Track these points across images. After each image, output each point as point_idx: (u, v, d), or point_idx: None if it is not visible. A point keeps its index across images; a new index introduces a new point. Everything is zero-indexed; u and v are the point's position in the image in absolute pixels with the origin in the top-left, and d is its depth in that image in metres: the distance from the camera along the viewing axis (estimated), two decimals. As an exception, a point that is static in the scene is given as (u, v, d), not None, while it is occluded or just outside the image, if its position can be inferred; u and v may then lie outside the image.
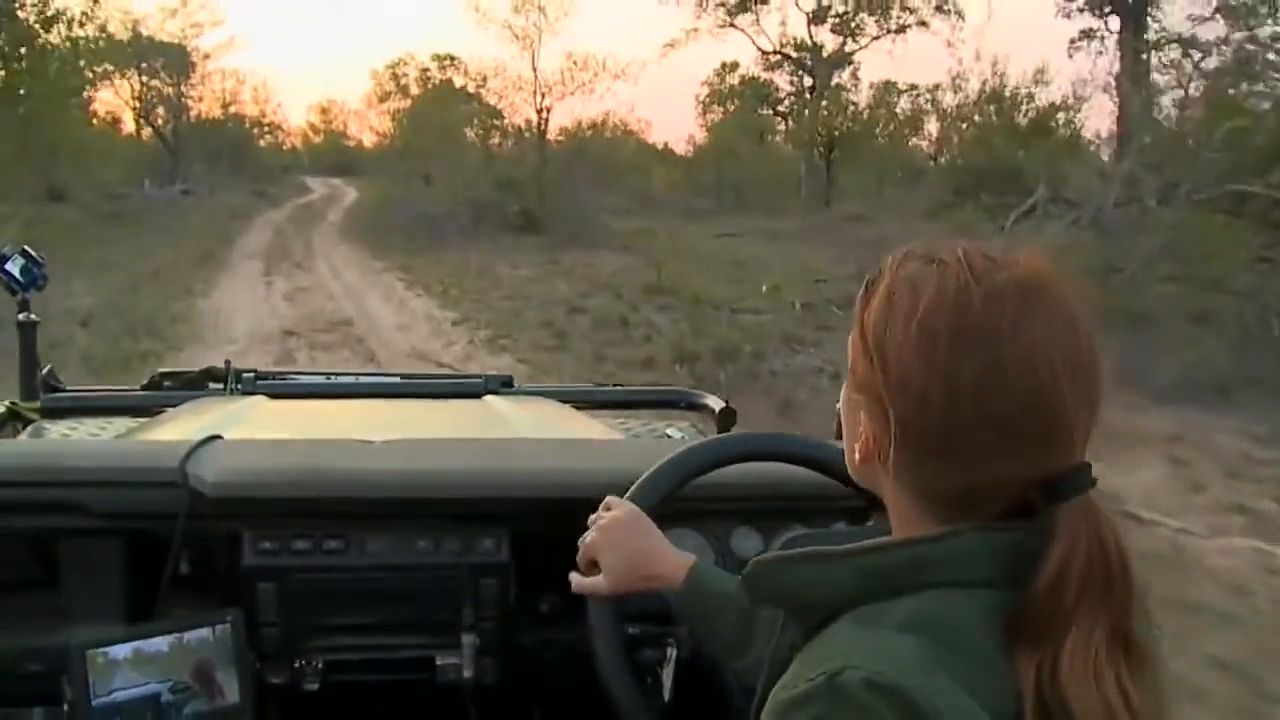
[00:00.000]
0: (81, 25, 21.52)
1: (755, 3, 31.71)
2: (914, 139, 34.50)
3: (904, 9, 30.88)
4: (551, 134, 30.84)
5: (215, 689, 1.35)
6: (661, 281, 13.35)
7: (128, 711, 1.30)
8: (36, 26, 20.33)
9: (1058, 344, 0.77)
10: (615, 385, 2.81)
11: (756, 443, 1.42)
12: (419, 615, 1.48)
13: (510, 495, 1.50)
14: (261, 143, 47.27)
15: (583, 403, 2.42)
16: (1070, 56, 25.39)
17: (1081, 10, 23.62)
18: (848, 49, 32.73)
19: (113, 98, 34.14)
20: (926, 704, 0.70)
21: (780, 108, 36.85)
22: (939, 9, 29.93)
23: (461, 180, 24.62)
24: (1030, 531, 0.78)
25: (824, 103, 32.77)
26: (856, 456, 0.87)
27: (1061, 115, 26.90)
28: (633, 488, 1.32)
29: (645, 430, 2.38)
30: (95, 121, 30.76)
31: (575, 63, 29.39)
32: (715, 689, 1.34)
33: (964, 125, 29.07)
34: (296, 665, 1.45)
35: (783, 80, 36.17)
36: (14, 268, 2.20)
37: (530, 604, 1.54)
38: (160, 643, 1.33)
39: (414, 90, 42.81)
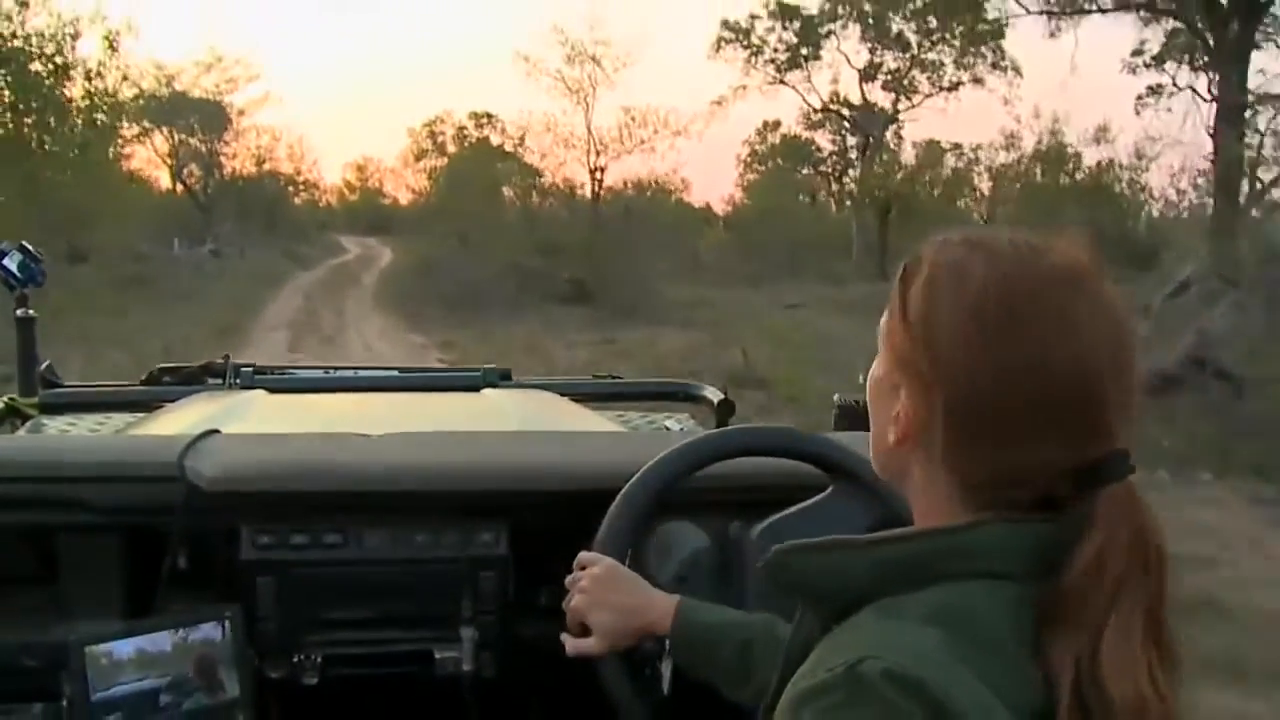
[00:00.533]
0: (99, 76, 20.25)
1: (807, 59, 30.68)
2: (963, 199, 32.81)
3: (959, 66, 29.79)
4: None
5: (214, 684, 1.35)
6: (749, 369, 11.42)
7: (127, 707, 1.30)
8: (48, 79, 19.23)
9: (1101, 331, 0.79)
10: (613, 377, 2.80)
11: (698, 450, 1.41)
12: (418, 609, 1.48)
13: (509, 488, 1.50)
14: (297, 200, 45.41)
15: (581, 395, 2.42)
16: (1138, 113, 24.54)
17: (1149, 66, 22.73)
18: (900, 106, 31.77)
19: (148, 152, 33.14)
20: (945, 696, 0.69)
21: (822, 167, 35.72)
22: (995, 66, 28.81)
23: (502, 243, 23.39)
24: (1062, 523, 0.78)
25: (879, 161, 31.47)
26: (891, 438, 0.86)
27: (1126, 174, 26.52)
28: (597, 537, 1.32)
29: (644, 423, 2.38)
30: (130, 178, 29.52)
31: (634, 118, 27.74)
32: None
33: (1018, 184, 28.24)
34: (295, 659, 1.45)
35: (824, 139, 35.23)
36: (11, 263, 2.20)
37: (529, 597, 1.54)
38: (159, 638, 1.33)
39: (451, 148, 42.50)
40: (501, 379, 2.36)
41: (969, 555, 0.79)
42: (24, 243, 2.27)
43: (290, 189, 42.24)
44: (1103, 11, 18.59)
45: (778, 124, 36.52)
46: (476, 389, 2.29)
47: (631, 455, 1.39)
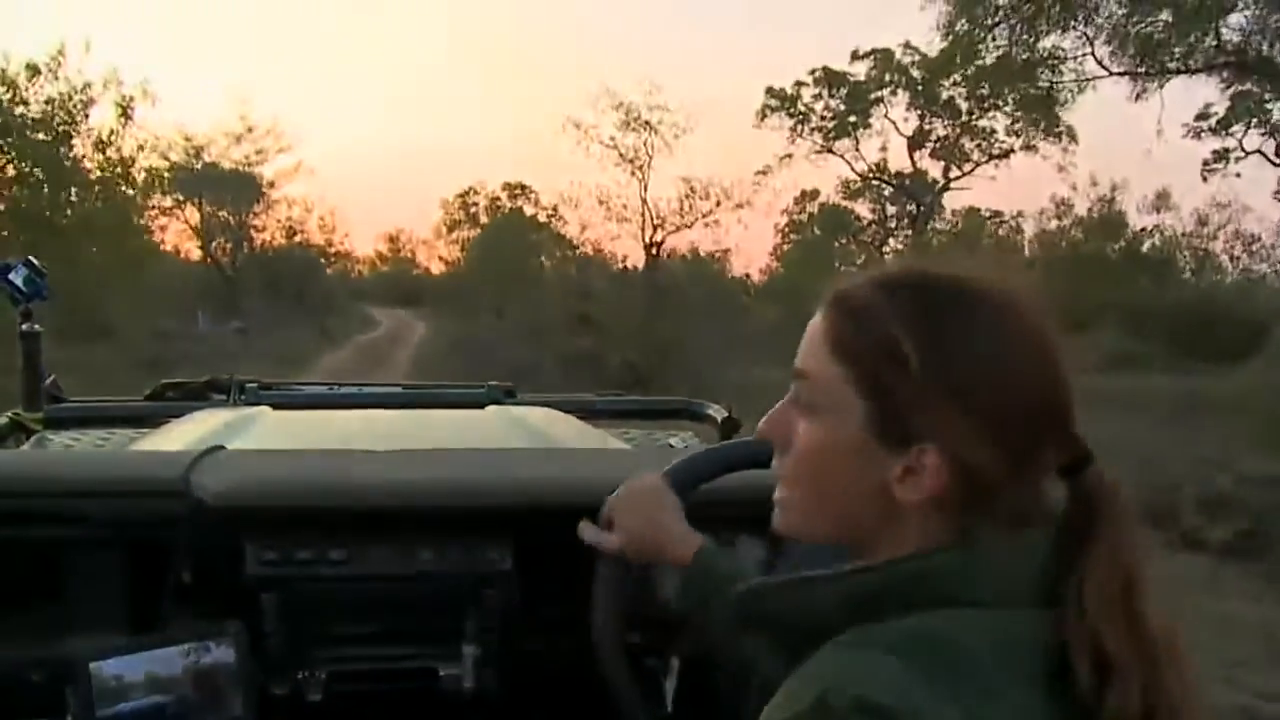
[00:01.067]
0: (111, 145, 19.82)
1: (855, 126, 29.12)
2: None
3: (1011, 133, 28.08)
4: (630, 263, 27.31)
5: (218, 700, 1.34)
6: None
7: (131, 722, 1.29)
8: (52, 148, 18.62)
9: (1052, 331, 0.83)
10: (617, 394, 2.81)
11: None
12: (422, 625, 1.47)
13: (513, 505, 1.50)
14: (329, 270, 43.75)
15: (585, 412, 2.42)
16: (1205, 179, 22.96)
17: (1214, 131, 21.01)
18: (951, 174, 30.27)
19: (180, 224, 32.30)
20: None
21: (862, 237, 34.23)
22: (1048, 132, 26.88)
23: (543, 318, 21.87)
24: (1047, 533, 0.81)
25: (929, 230, 30.26)
26: (913, 496, 0.81)
27: (1186, 240, 25.94)
28: (670, 465, 1.33)
29: (648, 440, 2.38)
30: (155, 250, 28.25)
31: (694, 189, 25.25)
32: (716, 699, 1.33)
33: (1064, 252, 27.28)
34: (300, 676, 1.45)
35: (864, 209, 33.88)
36: (17, 278, 2.20)
37: (533, 614, 1.54)
38: (164, 654, 1.33)
39: (484, 219, 41.52)
40: (506, 395, 2.36)
41: (934, 582, 0.79)
42: (30, 258, 2.28)
43: (322, 260, 40.81)
44: (1191, 72, 16.95)
45: (816, 193, 35.16)
46: (481, 405, 2.29)
47: (636, 472, 1.39)
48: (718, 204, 26.01)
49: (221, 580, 1.47)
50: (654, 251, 23.59)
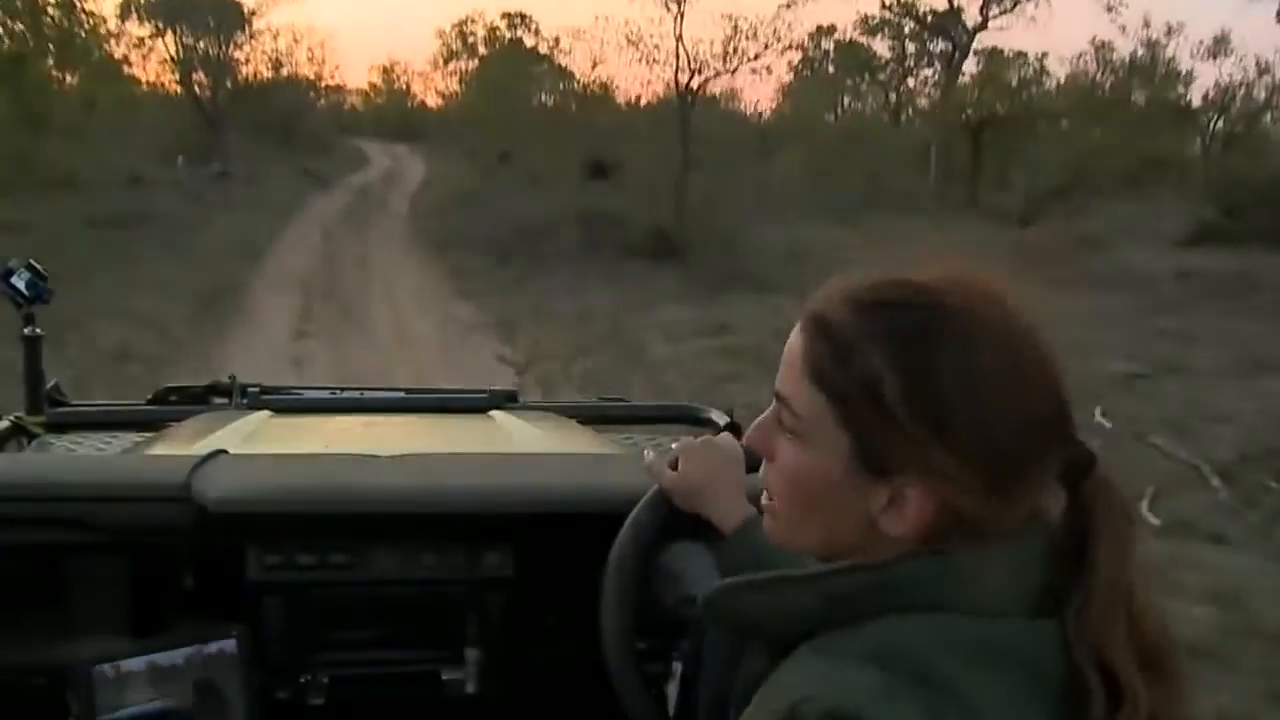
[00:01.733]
0: None
1: None
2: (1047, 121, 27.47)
3: None
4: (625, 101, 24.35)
5: (221, 704, 1.34)
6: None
7: (133, 727, 1.29)
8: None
9: (1037, 333, 0.81)
10: (619, 400, 2.81)
11: None
12: (424, 630, 1.47)
13: (516, 510, 1.50)
14: (321, 103, 40.62)
15: (588, 418, 2.42)
16: None
17: None
18: (990, 13, 27.07)
19: (154, 59, 29.35)
20: None
21: (880, 75, 32.06)
22: None
23: (554, 168, 19.05)
24: (1033, 539, 0.79)
25: (969, 73, 27.32)
26: (895, 531, 0.79)
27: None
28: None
29: (650, 445, 2.38)
30: (136, 85, 27.11)
31: (739, 28, 21.03)
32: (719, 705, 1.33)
33: (1104, 95, 24.89)
34: (302, 680, 1.45)
35: (883, 47, 31.46)
36: (20, 282, 2.20)
37: (536, 619, 1.54)
38: (165, 658, 1.33)
39: (482, 50, 38.31)
40: (508, 401, 2.36)
41: (910, 587, 0.77)
42: (31, 260, 2.27)
43: (311, 95, 37.57)
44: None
45: (832, 28, 32.42)
46: (483, 410, 2.29)
47: (638, 477, 1.39)
48: (766, 46, 21.95)
49: (223, 585, 1.47)
50: (691, 97, 19.64)
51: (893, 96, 32.67)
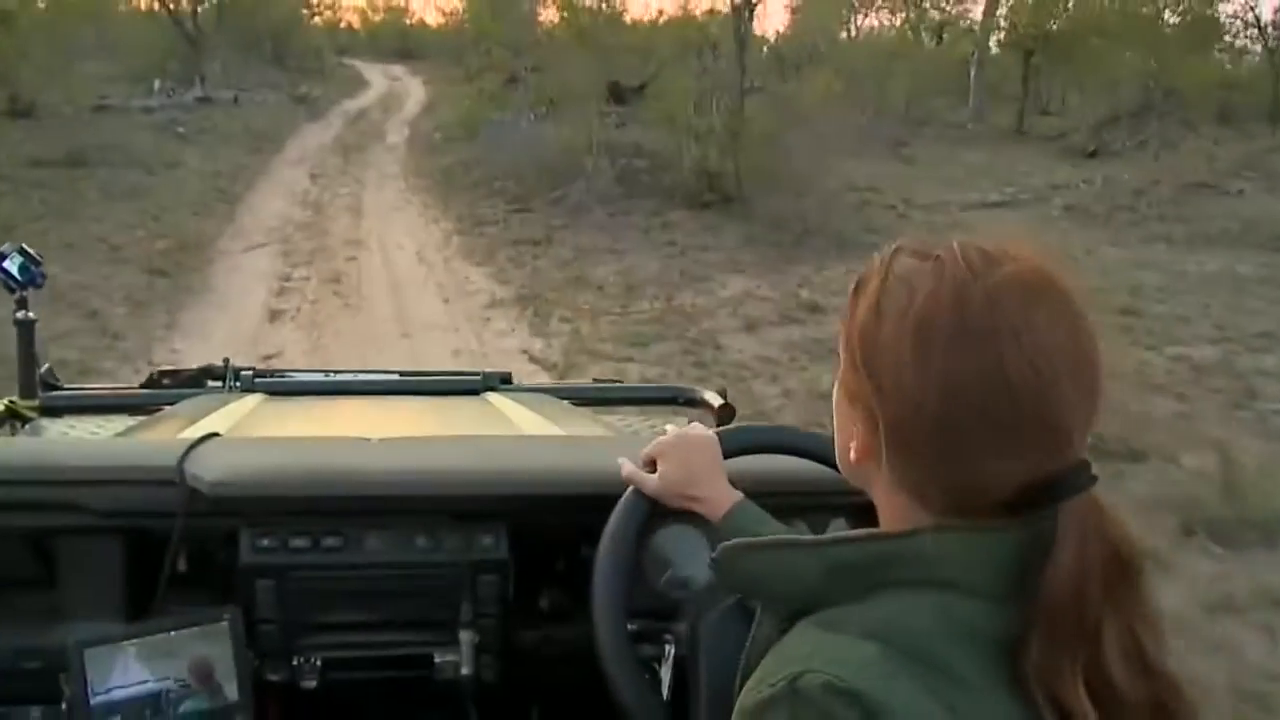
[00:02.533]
0: None
1: None
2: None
3: None
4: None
5: (214, 687, 1.35)
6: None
7: (126, 710, 1.30)
8: None
9: (1060, 344, 0.76)
10: (613, 382, 2.81)
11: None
12: (417, 612, 1.48)
13: (509, 493, 1.50)
14: (316, 20, 37.06)
15: (581, 400, 2.42)
16: None
17: None
18: None
19: None
20: (884, 707, 0.70)
21: None
22: None
23: (574, 93, 16.55)
24: (1024, 535, 0.76)
25: None
26: (851, 457, 0.86)
27: None
28: (726, 428, 1.37)
29: (644, 427, 2.38)
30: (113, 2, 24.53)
31: None
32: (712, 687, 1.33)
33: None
34: (295, 663, 1.45)
35: None
36: (12, 266, 2.20)
37: (529, 601, 1.54)
38: (158, 640, 1.33)
39: None
40: (502, 383, 2.36)
41: (915, 562, 0.78)
42: (23, 245, 2.27)
43: (304, 11, 34.15)
44: None
45: None
46: (477, 393, 2.29)
47: (632, 459, 1.39)
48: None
49: (216, 567, 1.47)
50: (746, 13, 16.50)
51: (912, 14, 29.91)
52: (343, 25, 46.58)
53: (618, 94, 18.28)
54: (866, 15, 31.59)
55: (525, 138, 15.52)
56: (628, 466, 1.32)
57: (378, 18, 51.21)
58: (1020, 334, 0.75)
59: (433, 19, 46.82)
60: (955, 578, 0.77)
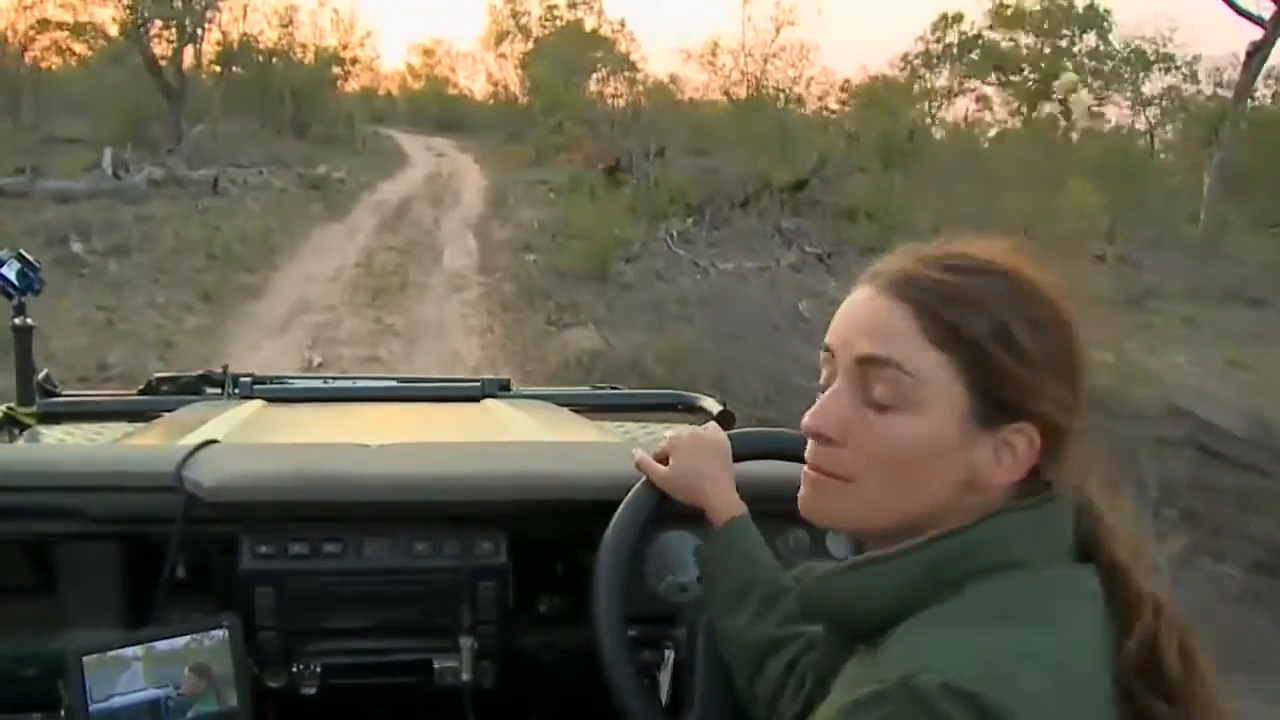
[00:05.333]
0: None
1: None
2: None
3: None
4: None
5: (213, 693, 1.34)
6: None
7: (125, 716, 1.29)
8: None
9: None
10: (613, 388, 2.80)
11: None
12: (417, 619, 1.47)
13: (508, 499, 1.50)
14: (351, 86, 31.17)
15: (580, 406, 2.42)
16: None
17: None
18: None
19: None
20: (1005, 711, 0.69)
21: (1015, 77, 25.89)
22: None
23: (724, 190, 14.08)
24: (1058, 502, 0.84)
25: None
26: (997, 479, 0.84)
27: None
28: (737, 431, 1.38)
29: (643, 433, 2.38)
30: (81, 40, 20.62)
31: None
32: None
33: None
34: (294, 669, 1.45)
35: (1024, 41, 25.68)
36: (10, 272, 2.20)
37: (529, 607, 1.54)
38: (157, 647, 1.32)
39: (536, 31, 33.06)
40: (501, 389, 2.36)
41: (988, 549, 0.81)
42: (21, 250, 2.27)
43: (335, 70, 28.27)
44: None
45: (959, 17, 26.62)
46: (476, 399, 2.29)
47: (630, 465, 1.39)
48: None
49: (216, 574, 1.47)
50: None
51: (1034, 105, 25.02)
52: (380, 92, 41.44)
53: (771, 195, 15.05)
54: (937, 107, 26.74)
55: (718, 291, 9.08)
56: (639, 453, 1.35)
57: (417, 85, 45.17)
58: (1064, 313, 0.87)
59: (480, 89, 41.02)
60: (1023, 556, 0.80)
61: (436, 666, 1.47)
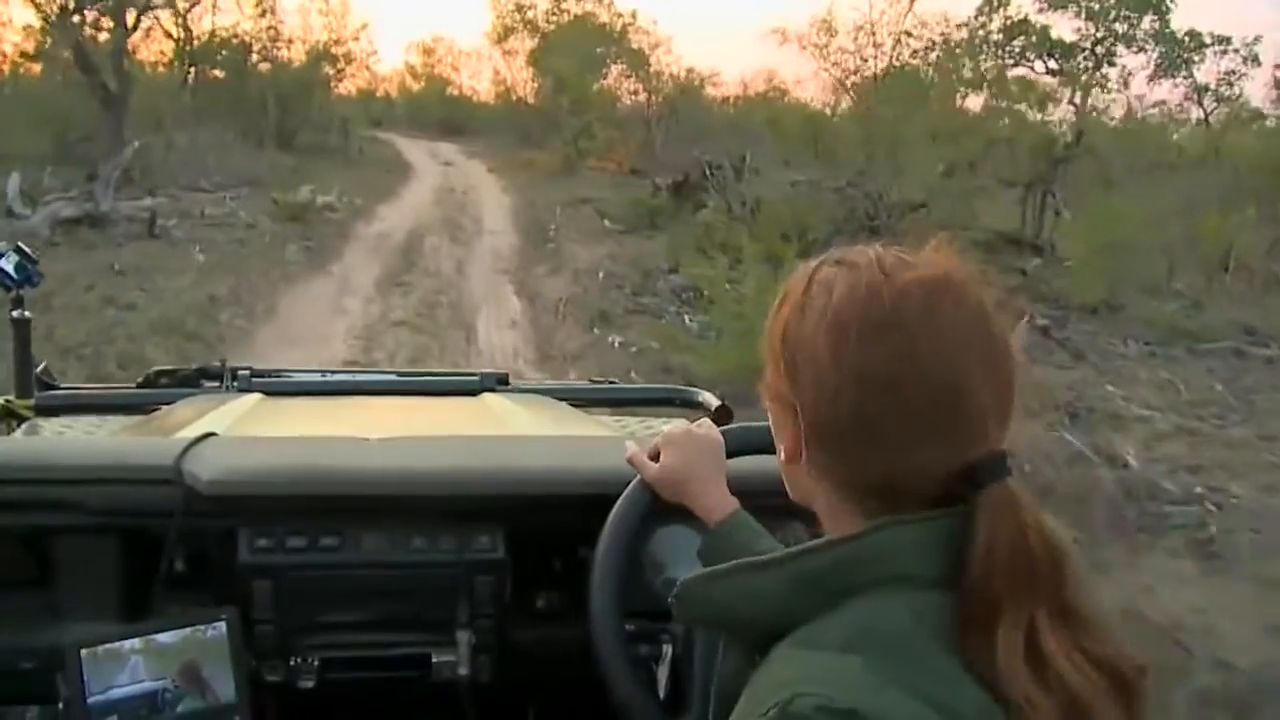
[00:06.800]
0: None
1: None
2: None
3: None
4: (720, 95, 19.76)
5: (211, 687, 1.34)
6: None
7: (123, 709, 1.29)
8: None
9: (968, 333, 0.80)
10: (611, 383, 2.80)
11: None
12: (415, 613, 1.48)
13: (506, 493, 1.50)
14: (342, 88, 27.52)
15: (579, 400, 2.42)
16: None
17: None
18: None
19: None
20: None
21: (1060, 63, 22.56)
22: None
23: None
24: (957, 520, 0.79)
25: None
26: (781, 456, 0.89)
27: None
28: (730, 427, 1.37)
29: (641, 428, 2.38)
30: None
31: None
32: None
33: None
34: (292, 662, 1.45)
35: (1070, 25, 22.51)
36: (8, 264, 2.19)
37: (526, 601, 1.54)
38: (156, 640, 1.33)
39: (543, 25, 30.69)
40: (499, 383, 2.36)
41: (874, 561, 0.79)
42: (19, 244, 2.27)
43: (328, 70, 24.42)
44: None
45: (1005, 1, 23.00)
46: (474, 393, 2.29)
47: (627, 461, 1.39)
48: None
49: (214, 567, 1.47)
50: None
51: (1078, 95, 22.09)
52: (378, 94, 39.12)
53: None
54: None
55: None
56: (631, 448, 1.34)
57: (418, 86, 42.19)
58: (928, 325, 0.79)
59: (485, 89, 38.28)
60: (912, 571, 0.78)
61: (434, 660, 1.47)
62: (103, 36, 16.20)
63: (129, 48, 16.50)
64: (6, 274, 2.19)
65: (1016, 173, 13.77)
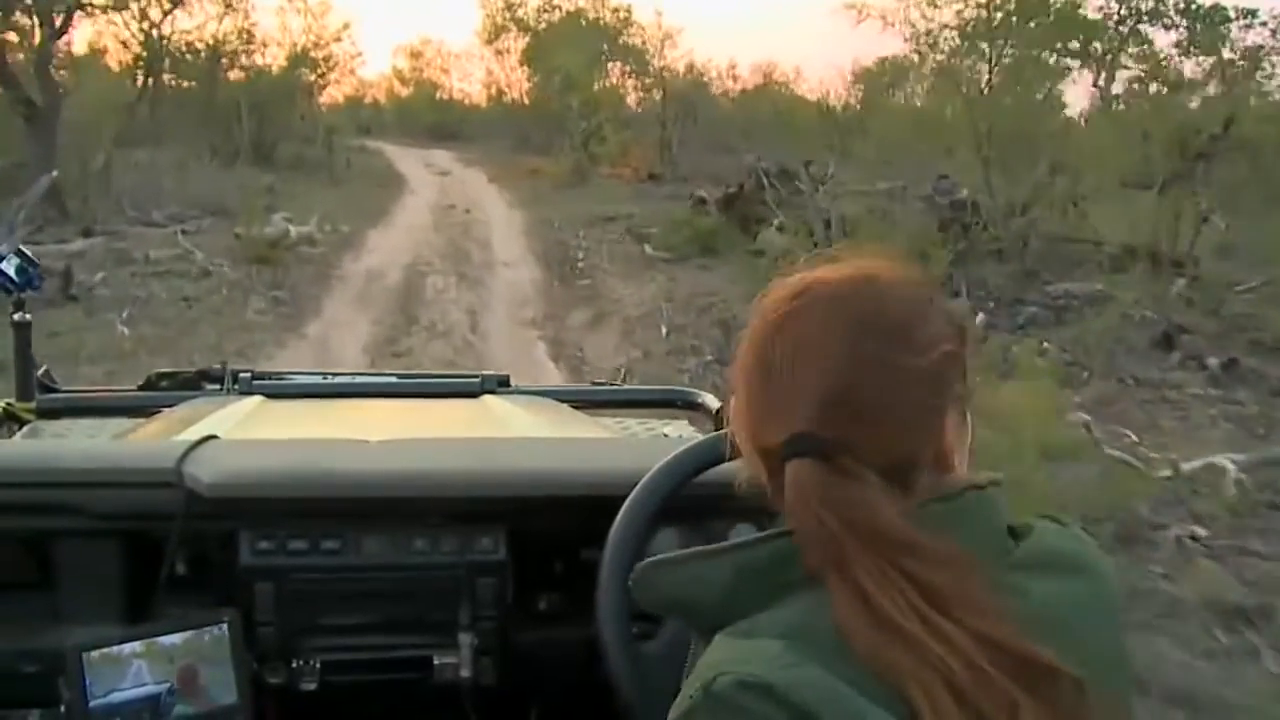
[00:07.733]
0: None
1: None
2: None
3: None
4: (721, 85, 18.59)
5: (212, 689, 1.34)
6: None
7: (124, 713, 1.29)
8: None
9: (809, 334, 0.86)
10: (612, 384, 2.80)
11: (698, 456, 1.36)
12: (416, 615, 1.48)
13: (507, 495, 1.50)
14: (328, 96, 25.67)
15: (580, 402, 2.42)
16: None
17: None
18: None
19: None
20: (797, 695, 0.72)
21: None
22: None
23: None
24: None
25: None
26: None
27: None
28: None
29: (643, 430, 2.38)
30: None
31: None
32: None
33: None
34: (294, 665, 1.45)
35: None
36: (9, 268, 2.20)
37: (528, 603, 1.54)
38: (157, 643, 1.32)
39: (533, 24, 29.08)
40: (500, 385, 2.36)
41: (796, 559, 0.81)
42: (20, 246, 2.27)
43: (309, 74, 22.53)
44: None
45: None
46: (475, 395, 2.29)
47: (630, 461, 1.39)
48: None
49: (215, 570, 1.47)
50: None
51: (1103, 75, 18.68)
52: (366, 100, 37.28)
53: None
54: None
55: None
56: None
57: (406, 91, 39.66)
58: (781, 324, 0.86)
59: (478, 91, 36.39)
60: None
61: (436, 663, 1.47)
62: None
63: (55, 52, 13.95)
64: (8, 277, 2.19)
65: (1148, 170, 11.12)
